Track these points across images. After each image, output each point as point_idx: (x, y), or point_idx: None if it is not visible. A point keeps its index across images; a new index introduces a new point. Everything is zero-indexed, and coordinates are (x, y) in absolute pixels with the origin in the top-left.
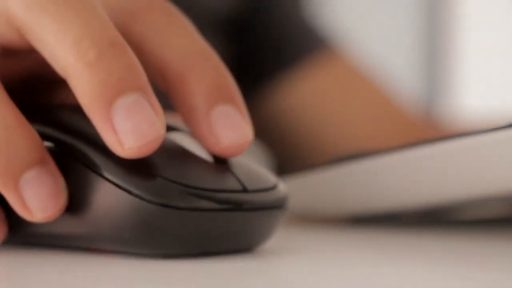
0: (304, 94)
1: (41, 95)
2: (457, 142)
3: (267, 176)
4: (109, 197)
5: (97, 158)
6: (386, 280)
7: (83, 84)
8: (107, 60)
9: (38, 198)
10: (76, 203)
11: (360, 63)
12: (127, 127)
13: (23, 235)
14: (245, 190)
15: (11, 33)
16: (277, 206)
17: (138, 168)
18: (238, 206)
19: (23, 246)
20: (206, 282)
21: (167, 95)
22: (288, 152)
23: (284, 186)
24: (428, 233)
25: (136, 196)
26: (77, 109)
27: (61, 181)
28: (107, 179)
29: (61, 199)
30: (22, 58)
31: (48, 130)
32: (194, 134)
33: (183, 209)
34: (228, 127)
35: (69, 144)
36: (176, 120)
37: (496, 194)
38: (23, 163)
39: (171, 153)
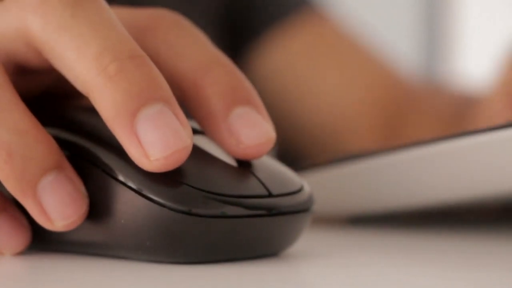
0: (287, 56)
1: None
2: (460, 141)
3: (292, 178)
4: (130, 204)
5: (118, 164)
6: (416, 285)
7: (105, 97)
8: (129, 72)
9: (58, 204)
10: (96, 210)
11: (350, 26)
12: (153, 138)
13: (43, 241)
14: (270, 194)
15: (29, 52)
16: (303, 210)
17: (160, 174)
18: (263, 212)
19: (41, 251)
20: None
21: (184, 104)
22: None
23: (309, 187)
24: (446, 233)
25: (158, 203)
26: (95, 111)
27: (81, 187)
28: (128, 186)
29: (82, 206)
30: (37, 77)
31: (65, 135)
32: (213, 139)
33: (207, 216)
34: (248, 127)
35: (88, 149)
36: (195, 124)
37: (499, 194)
38: (40, 168)
39: (193, 157)
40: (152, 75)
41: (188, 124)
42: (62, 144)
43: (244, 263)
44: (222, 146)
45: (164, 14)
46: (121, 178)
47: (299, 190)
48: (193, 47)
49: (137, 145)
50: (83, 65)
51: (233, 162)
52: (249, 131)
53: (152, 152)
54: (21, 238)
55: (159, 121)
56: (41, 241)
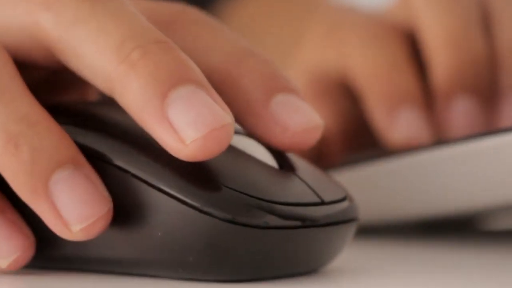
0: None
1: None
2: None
3: (336, 183)
4: (170, 214)
5: (148, 166)
6: None
7: (129, 86)
8: (154, 55)
9: (73, 203)
10: (125, 222)
11: None
12: (187, 118)
13: (54, 258)
14: (322, 202)
15: (34, 48)
16: (353, 218)
17: (199, 177)
18: (317, 222)
19: (52, 270)
20: None
21: None
22: None
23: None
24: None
25: (202, 212)
26: (116, 106)
27: (102, 189)
28: (165, 192)
29: (104, 205)
30: (31, 72)
31: (83, 133)
32: (255, 131)
33: (259, 227)
34: (294, 113)
35: (112, 149)
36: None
37: None
38: (52, 160)
39: (234, 159)
40: (181, 58)
41: (226, 106)
42: (78, 145)
43: (286, 281)
44: (265, 137)
45: (186, 9)
46: (154, 182)
47: (346, 196)
48: (221, 39)
49: (169, 130)
50: (103, 57)
51: (275, 165)
52: (296, 116)
53: (187, 133)
54: (20, 245)
55: (193, 100)
56: (52, 258)
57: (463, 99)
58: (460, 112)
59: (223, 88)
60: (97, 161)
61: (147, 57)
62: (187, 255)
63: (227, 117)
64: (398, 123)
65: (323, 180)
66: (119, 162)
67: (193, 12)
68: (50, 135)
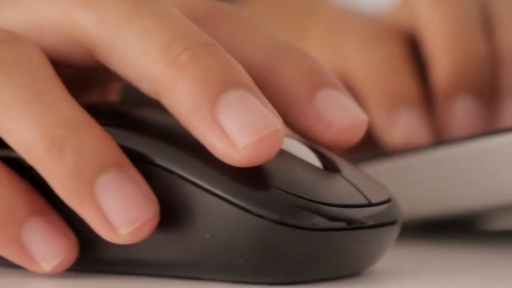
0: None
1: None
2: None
3: (379, 184)
4: (216, 215)
5: (195, 167)
6: None
7: (178, 90)
8: (203, 58)
9: (120, 206)
10: (172, 223)
11: None
12: (238, 123)
13: (96, 260)
14: (370, 203)
15: (75, 50)
16: (398, 219)
17: (247, 178)
18: (365, 223)
19: (94, 273)
20: None
21: None
22: None
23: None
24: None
25: (252, 213)
26: (156, 107)
27: (147, 189)
28: (213, 193)
29: (151, 208)
30: (63, 71)
31: (127, 135)
32: (298, 128)
33: (308, 229)
34: (338, 108)
35: (157, 150)
36: None
37: None
38: (97, 164)
39: (281, 160)
40: (229, 61)
41: (275, 110)
42: (122, 147)
43: (331, 283)
44: (309, 134)
45: (222, 5)
46: (201, 182)
47: (390, 197)
48: (258, 34)
49: (221, 135)
50: (150, 59)
51: (320, 165)
52: (340, 112)
53: (239, 138)
54: (63, 248)
55: (244, 105)
56: (95, 260)
57: (464, 100)
58: (461, 112)
59: (264, 84)
60: (141, 163)
61: (196, 60)
62: (236, 257)
63: (278, 123)
64: (396, 124)
65: (367, 181)
66: (165, 163)
67: (226, 7)
68: (94, 138)
